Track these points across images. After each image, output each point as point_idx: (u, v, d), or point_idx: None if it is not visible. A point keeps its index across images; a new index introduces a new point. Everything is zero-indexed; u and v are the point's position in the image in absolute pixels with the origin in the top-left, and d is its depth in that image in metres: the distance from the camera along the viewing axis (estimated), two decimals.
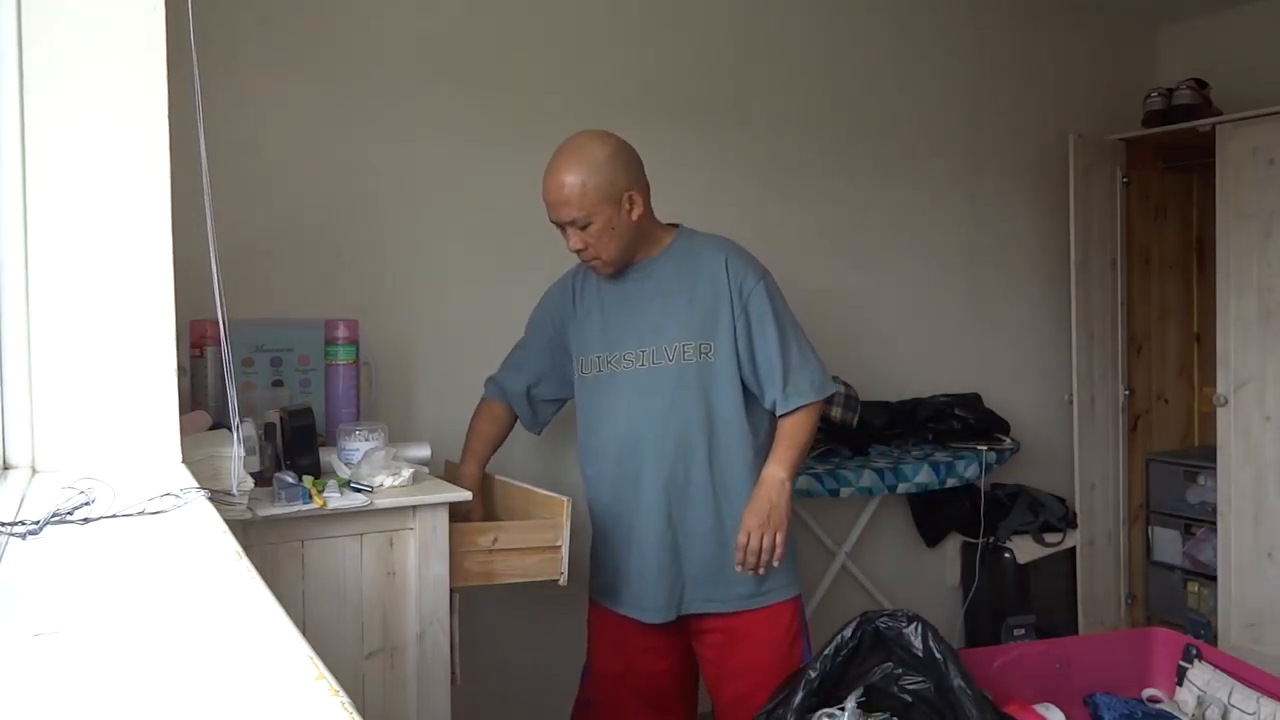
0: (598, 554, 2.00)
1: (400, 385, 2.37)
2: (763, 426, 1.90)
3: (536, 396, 2.08)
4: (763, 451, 1.89)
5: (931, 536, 3.34)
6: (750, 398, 1.88)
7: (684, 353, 1.84)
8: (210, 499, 1.02)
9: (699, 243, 1.93)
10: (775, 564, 1.80)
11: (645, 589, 1.88)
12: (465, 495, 1.75)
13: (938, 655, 1.68)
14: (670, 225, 1.97)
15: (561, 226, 1.84)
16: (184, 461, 1.23)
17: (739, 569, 1.80)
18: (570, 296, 2.01)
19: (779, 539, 1.79)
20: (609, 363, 1.92)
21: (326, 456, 1.84)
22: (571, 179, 1.78)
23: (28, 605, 0.73)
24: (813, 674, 1.67)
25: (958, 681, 1.64)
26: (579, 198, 1.78)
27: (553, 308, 2.05)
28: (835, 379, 2.89)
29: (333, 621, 1.62)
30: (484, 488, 2.03)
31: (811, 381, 1.87)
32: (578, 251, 1.86)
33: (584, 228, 1.80)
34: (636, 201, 1.83)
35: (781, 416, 1.87)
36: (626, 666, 1.96)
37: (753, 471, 1.86)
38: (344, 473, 1.77)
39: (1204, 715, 1.89)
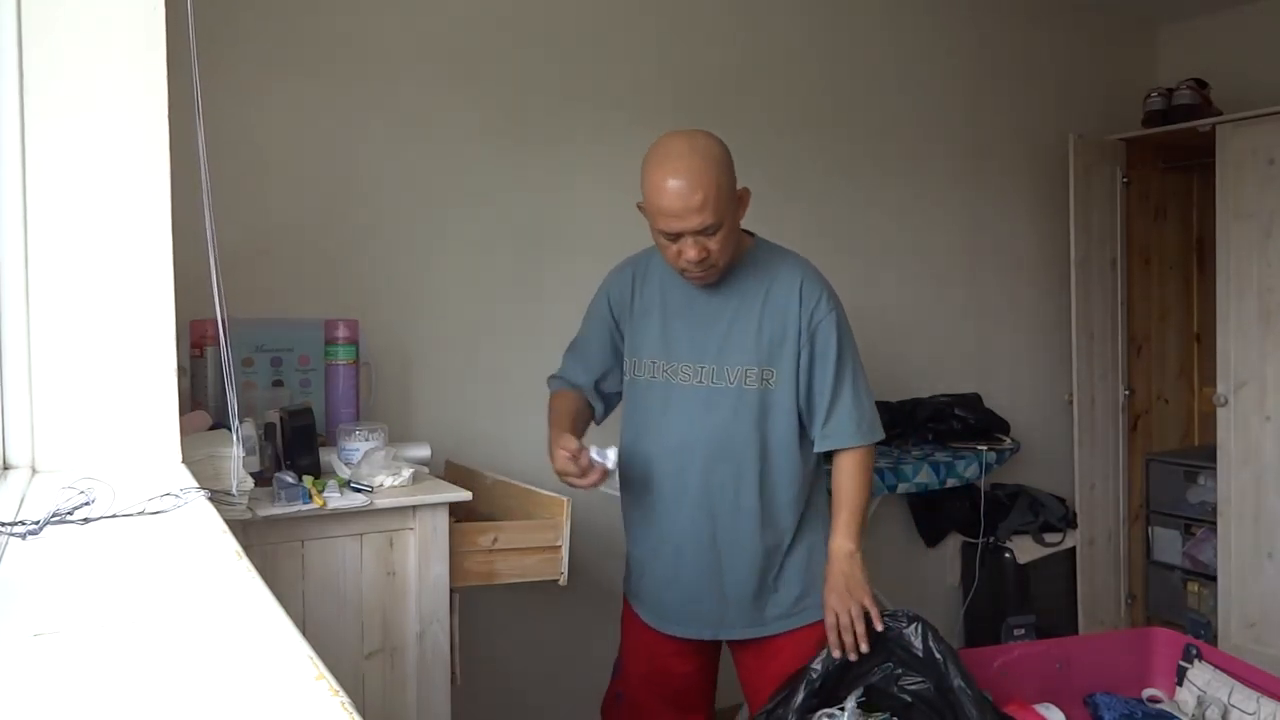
0: (633, 560, 1.93)
1: (400, 385, 2.37)
2: (813, 457, 1.84)
3: (604, 390, 1.96)
4: (811, 487, 1.83)
5: (931, 536, 3.34)
6: (804, 430, 1.81)
7: (746, 377, 1.75)
8: (210, 499, 1.02)
9: (775, 259, 1.82)
10: (878, 628, 1.71)
11: (683, 608, 1.83)
12: (465, 495, 1.75)
13: (938, 655, 1.67)
14: (746, 233, 1.83)
15: (675, 236, 1.66)
16: (184, 461, 1.23)
17: (837, 654, 1.71)
18: (630, 290, 1.88)
19: (868, 604, 1.71)
20: (665, 370, 1.81)
21: (326, 456, 1.84)
22: (707, 180, 1.61)
23: (28, 605, 0.73)
24: (813, 674, 1.67)
25: (957, 681, 1.63)
26: (715, 199, 1.61)
27: (612, 299, 1.91)
28: None
29: (333, 621, 1.62)
30: (484, 488, 2.02)
31: (858, 424, 1.77)
32: (696, 263, 1.67)
33: (713, 234, 1.65)
34: (746, 197, 1.73)
35: (837, 462, 1.80)
36: (652, 668, 1.91)
37: (799, 502, 1.80)
38: (344, 473, 1.77)
39: (1204, 715, 1.88)
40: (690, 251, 1.66)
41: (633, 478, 1.88)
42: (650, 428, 1.83)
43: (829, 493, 1.86)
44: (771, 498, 1.78)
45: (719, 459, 1.77)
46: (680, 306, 1.81)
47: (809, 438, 1.81)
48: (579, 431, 1.86)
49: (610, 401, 1.99)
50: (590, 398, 1.95)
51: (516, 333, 2.54)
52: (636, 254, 1.93)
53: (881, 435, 1.83)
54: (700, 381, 1.78)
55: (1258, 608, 3.23)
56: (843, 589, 1.72)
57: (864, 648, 1.71)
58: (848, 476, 1.79)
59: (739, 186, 1.71)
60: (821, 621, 1.79)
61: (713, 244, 1.66)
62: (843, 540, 1.76)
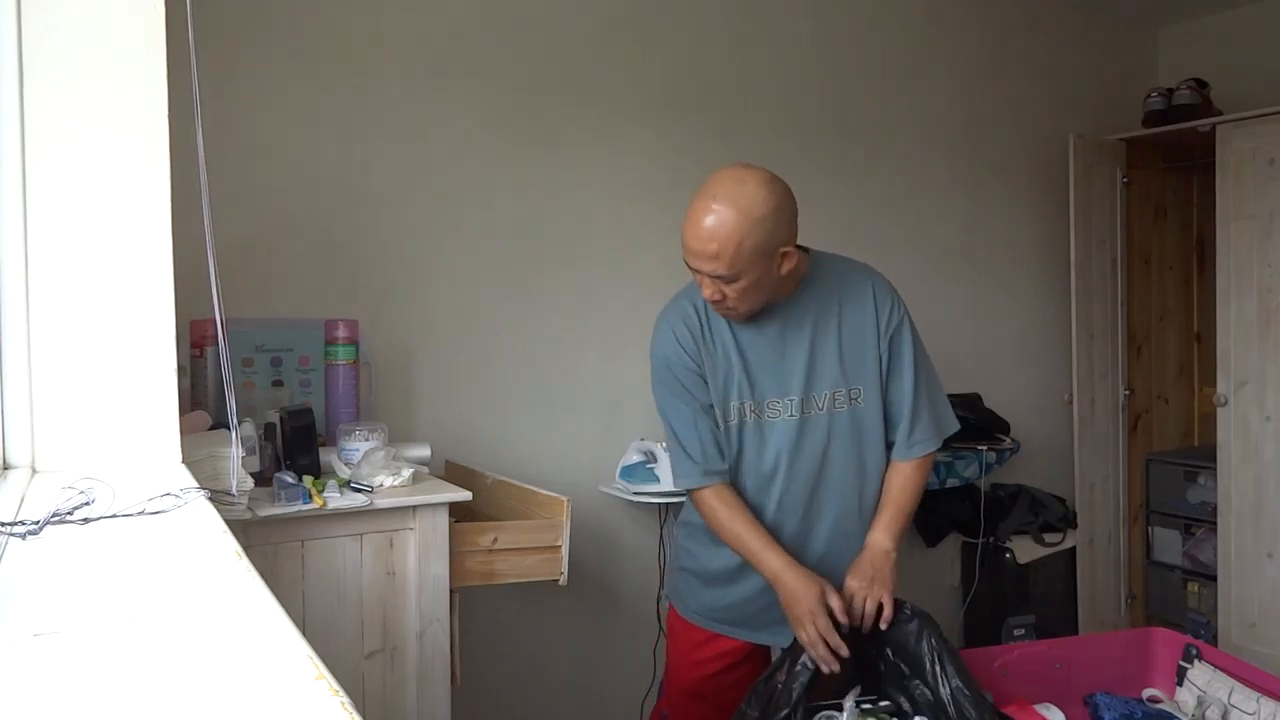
0: (708, 575, 1.85)
1: (400, 385, 2.37)
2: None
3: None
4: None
5: (931, 536, 3.34)
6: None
7: (834, 400, 1.72)
8: (210, 499, 1.02)
9: (839, 272, 1.78)
10: (883, 626, 1.67)
11: (759, 616, 1.79)
12: (465, 495, 1.75)
13: (937, 655, 1.67)
14: (800, 248, 1.72)
15: (696, 270, 1.61)
16: (184, 461, 1.23)
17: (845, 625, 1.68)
18: (698, 334, 1.74)
19: (885, 600, 1.66)
20: (753, 411, 1.73)
21: (326, 456, 1.84)
22: (727, 233, 1.52)
23: (28, 605, 0.73)
24: (809, 664, 1.66)
25: (956, 682, 1.63)
26: (731, 255, 1.53)
27: (691, 352, 1.74)
28: None
29: (333, 621, 1.62)
30: (484, 488, 2.02)
31: (938, 425, 1.79)
32: (713, 302, 1.63)
33: (730, 283, 1.57)
34: (790, 256, 1.61)
35: (897, 462, 1.78)
36: (707, 682, 1.86)
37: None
38: (344, 473, 1.77)
39: (1204, 715, 1.88)
40: (706, 289, 1.61)
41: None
42: (749, 461, 1.76)
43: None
44: (868, 514, 1.79)
45: (819, 483, 1.75)
46: (753, 341, 1.73)
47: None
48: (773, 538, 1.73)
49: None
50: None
51: (517, 333, 2.54)
52: (676, 301, 1.79)
53: (957, 426, 1.86)
54: (791, 414, 1.73)
55: (1258, 608, 3.24)
56: (868, 577, 1.69)
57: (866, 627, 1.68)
58: (903, 476, 1.78)
59: (785, 246, 1.59)
60: None
61: (730, 291, 1.59)
62: (882, 536, 1.73)
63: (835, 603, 1.62)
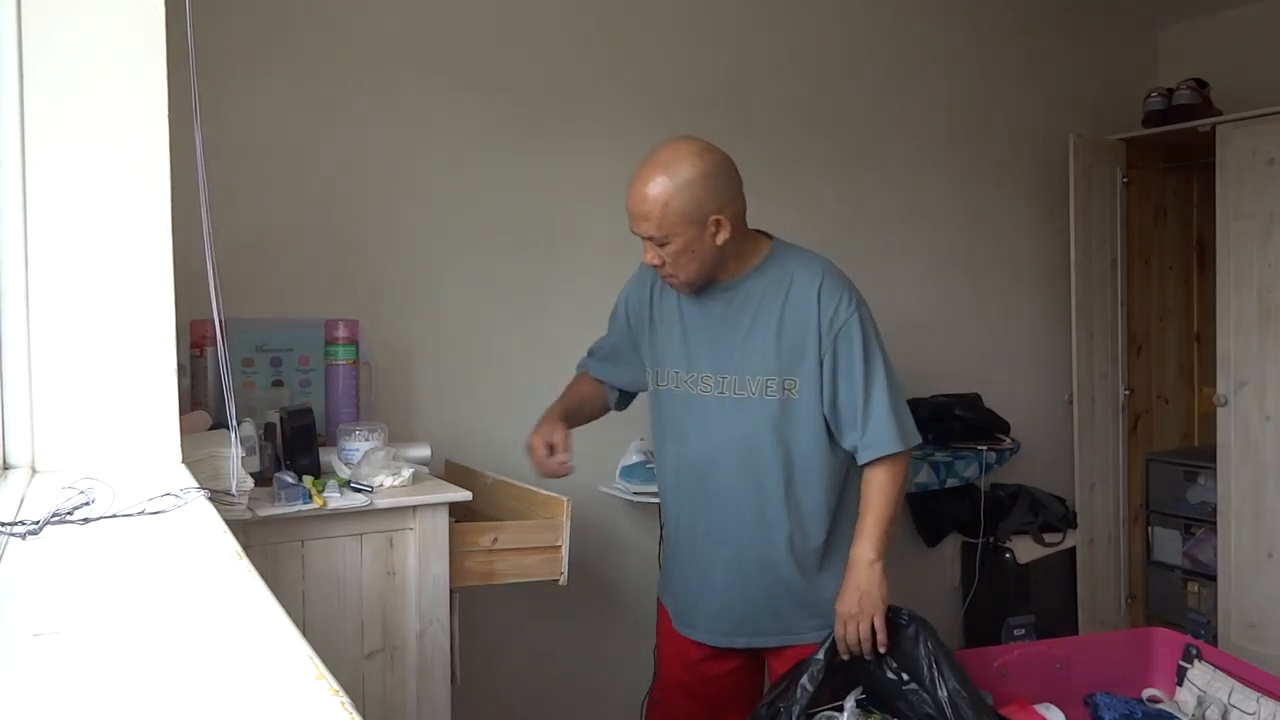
0: (666, 565, 1.93)
1: (400, 385, 2.37)
2: (844, 466, 1.80)
3: (624, 390, 1.99)
4: (841, 489, 1.79)
5: (931, 536, 3.34)
6: (835, 441, 1.77)
7: (766, 388, 1.72)
8: (210, 499, 1.02)
9: (793, 261, 1.78)
10: (880, 650, 1.69)
11: (709, 615, 1.81)
12: (465, 495, 1.76)
13: (935, 657, 1.68)
14: (763, 236, 1.82)
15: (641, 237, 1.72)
16: (184, 461, 1.23)
17: (845, 657, 1.70)
18: (648, 299, 1.87)
19: (877, 623, 1.67)
20: (686, 382, 1.79)
21: (326, 456, 1.84)
22: (654, 193, 1.63)
23: (28, 605, 0.73)
24: (815, 669, 1.67)
25: (954, 684, 1.63)
26: (660, 215, 1.63)
27: (630, 306, 1.91)
28: None
29: (333, 621, 1.62)
30: (484, 488, 2.02)
31: (894, 431, 1.71)
32: (655, 267, 1.72)
33: (662, 245, 1.66)
34: (724, 225, 1.66)
35: (864, 469, 1.76)
36: (686, 673, 1.89)
37: (829, 512, 1.76)
38: (344, 473, 1.77)
39: (1204, 715, 1.88)
40: (648, 255, 1.70)
41: (663, 485, 1.89)
42: (675, 437, 1.82)
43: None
44: (798, 508, 1.75)
45: (742, 470, 1.74)
46: (698, 316, 1.79)
47: (839, 445, 1.76)
48: (585, 418, 1.96)
49: (629, 397, 2.01)
50: (609, 391, 2.00)
51: (516, 333, 2.54)
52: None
53: (919, 439, 1.79)
54: (721, 392, 1.75)
55: (1258, 608, 3.23)
56: (854, 602, 1.69)
57: (867, 656, 1.70)
58: (878, 485, 1.73)
59: (716, 215, 1.66)
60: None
61: (665, 255, 1.67)
62: (864, 548, 1.71)
63: (558, 438, 1.81)
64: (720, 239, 1.67)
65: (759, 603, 1.78)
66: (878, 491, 1.73)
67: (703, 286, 1.75)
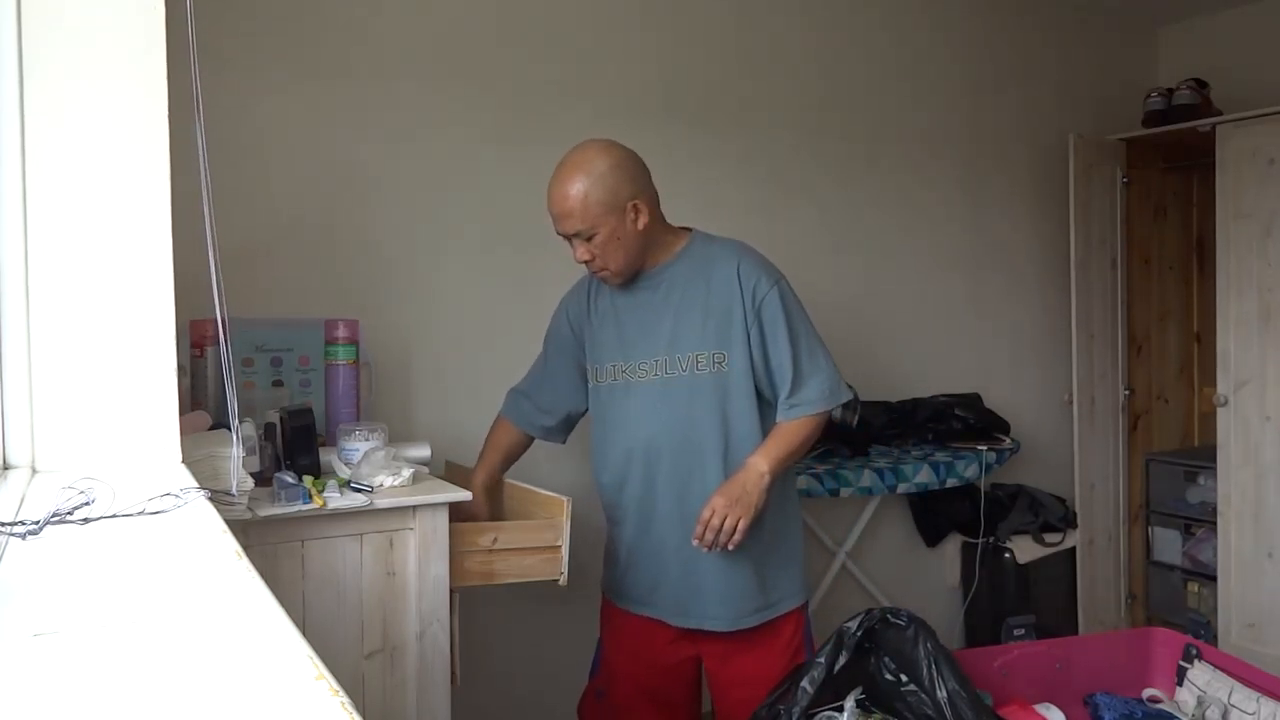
0: (612, 556, 2.00)
1: (400, 385, 2.37)
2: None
3: (559, 419, 2.06)
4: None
5: (931, 536, 3.34)
6: (766, 406, 1.85)
7: (698, 363, 1.82)
8: (210, 499, 1.02)
9: (713, 248, 1.89)
10: (730, 548, 1.76)
11: (662, 594, 1.89)
12: (465, 495, 1.75)
13: (934, 658, 1.68)
14: (683, 229, 1.94)
15: (569, 239, 1.83)
16: (184, 461, 1.23)
17: (695, 543, 1.76)
18: (586, 303, 1.99)
19: (741, 526, 1.74)
20: (624, 372, 1.89)
21: (326, 456, 1.84)
22: (574, 190, 1.76)
23: (28, 605, 0.73)
24: (816, 672, 1.67)
25: (953, 684, 1.64)
26: (582, 209, 1.76)
27: (570, 314, 2.02)
28: None
29: (333, 621, 1.62)
30: (493, 492, 2.03)
31: (821, 390, 1.83)
32: (585, 263, 1.84)
33: (589, 239, 1.79)
34: (642, 210, 1.80)
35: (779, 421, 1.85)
36: (636, 664, 1.96)
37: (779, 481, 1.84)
38: (344, 473, 1.77)
39: (1204, 715, 1.89)
40: (578, 252, 1.82)
41: (605, 481, 1.95)
42: (617, 428, 1.90)
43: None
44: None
45: (683, 445, 1.83)
46: (630, 310, 1.90)
47: (771, 413, 1.85)
48: (500, 463, 2.04)
49: (561, 433, 2.08)
50: (536, 431, 2.07)
51: (516, 332, 2.54)
52: (583, 278, 2.02)
53: (846, 395, 1.90)
54: (656, 375, 1.85)
55: (1258, 608, 3.23)
56: (734, 496, 1.75)
57: (712, 550, 1.76)
58: (794, 426, 1.83)
59: (633, 200, 1.79)
60: (795, 611, 1.89)
61: (595, 248, 1.79)
62: (759, 459, 1.80)
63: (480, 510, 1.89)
64: (641, 223, 1.80)
65: (701, 581, 1.85)
66: (792, 430, 1.83)
67: (633, 276, 1.87)
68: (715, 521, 1.74)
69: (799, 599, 1.93)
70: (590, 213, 1.76)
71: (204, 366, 1.90)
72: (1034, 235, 3.66)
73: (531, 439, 2.09)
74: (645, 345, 1.87)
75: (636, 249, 1.83)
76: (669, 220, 1.98)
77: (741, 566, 1.84)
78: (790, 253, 3.04)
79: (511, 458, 2.08)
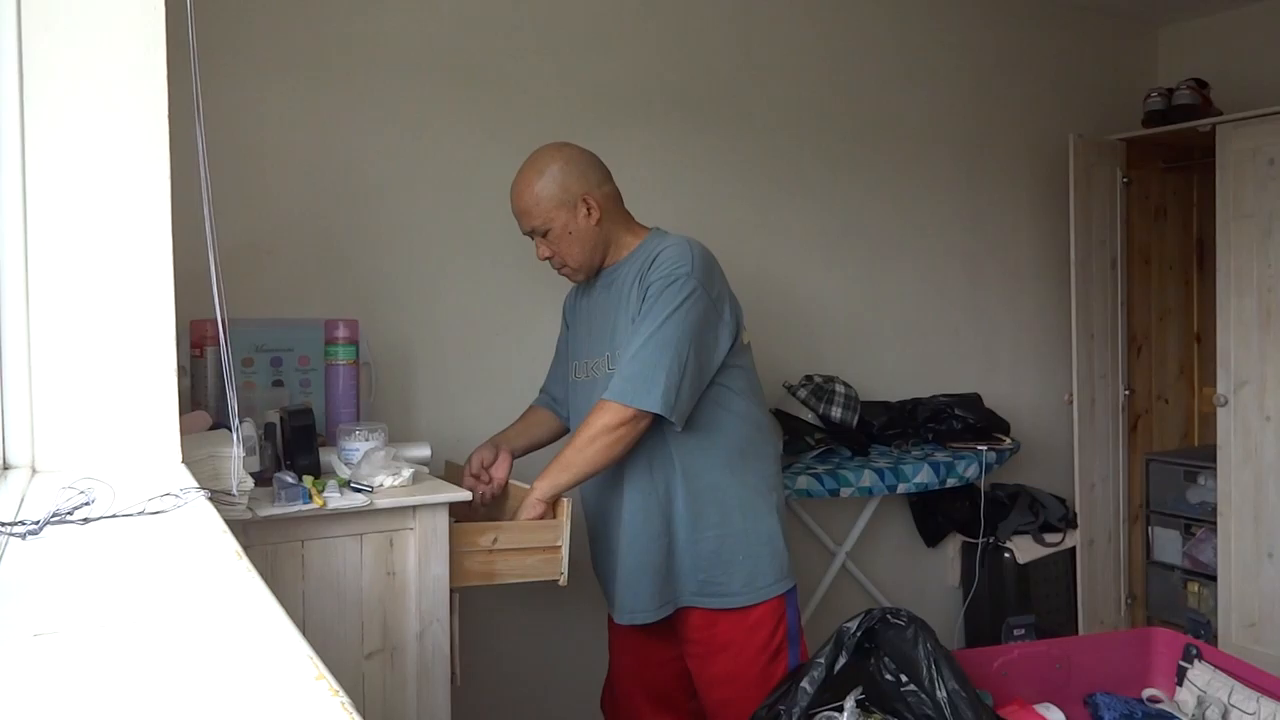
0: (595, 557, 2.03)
1: (400, 385, 2.37)
2: (725, 422, 1.83)
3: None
4: (726, 449, 1.83)
5: (931, 536, 3.34)
6: (706, 396, 1.80)
7: (609, 364, 1.84)
8: (210, 499, 1.02)
9: (662, 244, 1.83)
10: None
11: (610, 592, 1.92)
12: (465, 495, 1.75)
13: (934, 658, 1.68)
14: (644, 229, 1.93)
15: (531, 237, 1.89)
16: (184, 461, 1.23)
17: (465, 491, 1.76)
18: (573, 301, 2.06)
19: (511, 522, 1.76)
20: (582, 370, 1.95)
21: (326, 456, 1.83)
22: (527, 188, 1.84)
23: (28, 605, 0.73)
24: (816, 672, 1.67)
25: (953, 684, 1.64)
26: (534, 205, 1.83)
27: (566, 314, 2.10)
28: (835, 379, 2.93)
29: (333, 621, 1.62)
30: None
31: (628, 385, 1.70)
32: (547, 260, 1.90)
33: (545, 234, 1.85)
34: (594, 206, 1.84)
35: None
36: (631, 661, 1.99)
37: (685, 482, 1.81)
38: (344, 473, 1.77)
39: (1204, 715, 1.89)
40: (538, 250, 1.89)
41: None
42: (575, 423, 1.92)
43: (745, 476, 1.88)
44: (665, 471, 1.82)
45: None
46: (585, 309, 1.97)
47: (711, 405, 1.82)
48: (535, 440, 2.07)
49: None
50: (563, 421, 2.09)
51: (517, 332, 2.54)
52: None
53: (651, 406, 1.69)
54: (589, 376, 1.90)
55: (1258, 608, 3.24)
56: (522, 513, 1.75)
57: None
58: (586, 426, 1.74)
59: (584, 194, 1.83)
60: (774, 600, 1.86)
61: (551, 244, 1.85)
62: (543, 486, 1.75)
63: (487, 456, 1.92)
64: (594, 219, 1.84)
65: (627, 574, 1.84)
66: (582, 432, 1.75)
67: (593, 272, 1.91)
68: (487, 499, 1.85)
69: (776, 589, 1.85)
70: (541, 208, 1.82)
71: (204, 366, 1.90)
72: (1034, 235, 3.66)
73: (561, 427, 2.11)
74: (594, 344, 1.91)
75: (591, 244, 1.86)
76: (666, 218, 1.98)
77: (662, 556, 1.82)
78: (790, 252, 3.05)
79: (533, 427, 2.09)
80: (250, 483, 1.46)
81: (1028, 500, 3.32)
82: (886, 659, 1.71)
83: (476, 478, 1.91)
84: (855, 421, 2.95)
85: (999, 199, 3.56)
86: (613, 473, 1.84)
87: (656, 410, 1.70)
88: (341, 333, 2.07)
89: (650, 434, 1.78)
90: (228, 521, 0.96)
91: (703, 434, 1.82)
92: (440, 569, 1.70)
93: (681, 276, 1.74)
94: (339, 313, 2.15)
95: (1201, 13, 3.83)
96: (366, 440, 1.81)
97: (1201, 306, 3.88)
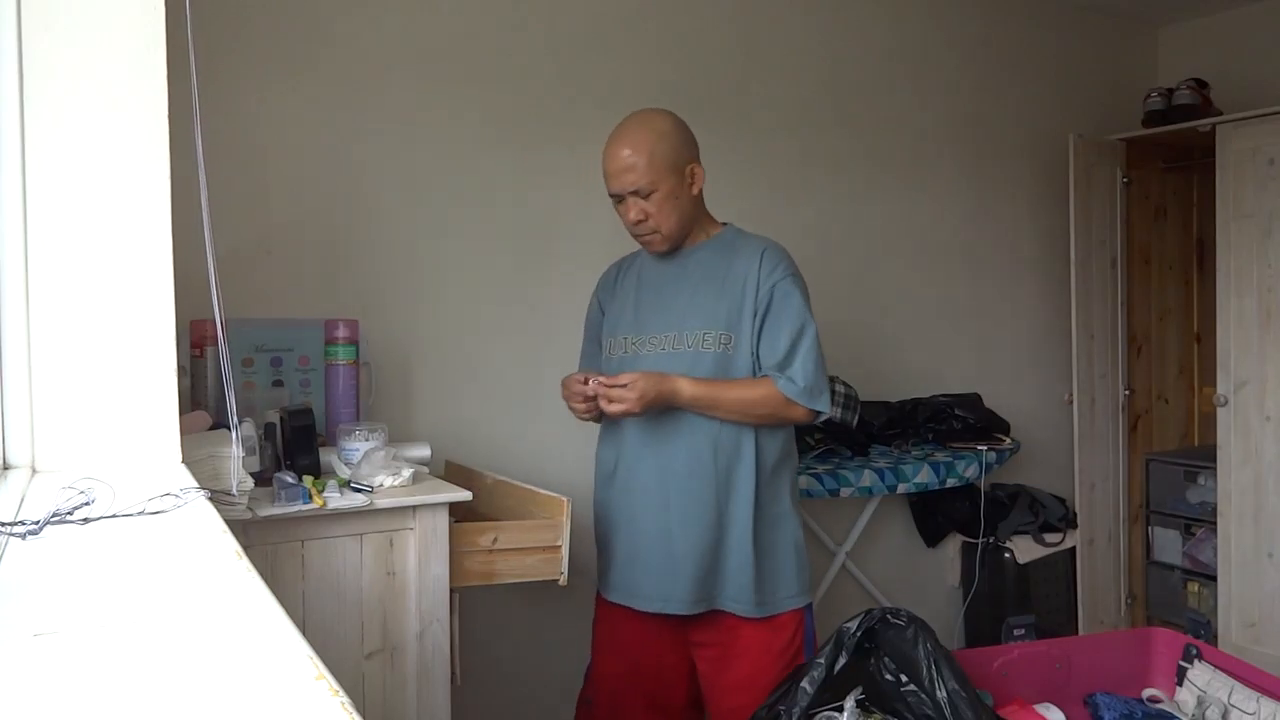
0: (608, 549, 1.94)
1: (400, 385, 2.37)
2: (782, 433, 1.85)
3: None
4: (776, 455, 1.84)
5: (931, 536, 3.34)
6: None
7: (704, 341, 1.80)
8: (210, 499, 1.02)
9: (743, 239, 1.89)
10: (601, 408, 1.77)
11: (645, 579, 1.84)
12: (465, 495, 1.75)
13: (934, 658, 1.67)
14: (721, 222, 1.95)
15: (621, 199, 1.81)
16: (184, 461, 1.23)
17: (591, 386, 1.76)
18: (614, 279, 2.00)
19: (619, 410, 1.73)
20: (634, 344, 1.88)
21: (326, 456, 1.84)
22: (637, 145, 1.77)
23: (28, 605, 0.73)
24: (816, 673, 1.67)
25: (953, 684, 1.63)
26: (645, 164, 1.76)
27: (601, 296, 2.03)
28: (835, 379, 2.93)
29: (333, 621, 1.62)
30: (484, 488, 2.02)
31: (807, 384, 1.77)
32: (636, 224, 1.81)
33: (647, 196, 1.78)
34: (698, 175, 1.83)
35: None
36: (631, 665, 1.91)
37: (756, 471, 1.80)
38: (344, 473, 1.77)
39: (1204, 715, 1.88)
40: (630, 212, 1.80)
41: (602, 455, 1.94)
42: None
43: (791, 484, 1.89)
44: (727, 465, 1.80)
45: (671, 421, 1.80)
46: (651, 284, 1.91)
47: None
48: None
49: None
50: None
51: (516, 333, 2.54)
52: (624, 256, 2.03)
53: (823, 408, 1.79)
54: (663, 349, 1.84)
55: (1258, 608, 3.23)
56: (647, 394, 1.72)
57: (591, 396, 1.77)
58: (756, 384, 1.77)
59: (691, 164, 1.82)
60: (795, 612, 1.85)
61: (650, 207, 1.78)
62: (689, 384, 1.76)
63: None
64: (696, 188, 1.84)
65: (679, 563, 1.80)
66: (749, 385, 1.78)
67: (678, 244, 1.86)
68: (615, 395, 1.72)
69: (798, 601, 1.87)
70: (654, 166, 1.77)
71: (204, 366, 1.90)
72: (1034, 235, 3.66)
73: None
74: (658, 320, 1.86)
75: (688, 215, 1.84)
76: None
77: (719, 548, 1.80)
78: (790, 252, 3.05)
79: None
80: (250, 483, 1.46)
81: (1028, 500, 3.32)
82: (886, 659, 1.71)
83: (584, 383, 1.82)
84: (855, 421, 2.95)
85: (999, 199, 3.56)
86: (663, 453, 1.80)
87: (828, 413, 1.84)
88: (341, 333, 2.07)
89: (724, 432, 1.79)
90: (228, 521, 0.96)
91: (767, 433, 1.83)
92: (440, 569, 1.70)
93: (797, 273, 1.85)
94: (339, 313, 2.15)
95: (1201, 13, 3.83)
96: (366, 440, 1.81)
97: (1201, 306, 3.88)
